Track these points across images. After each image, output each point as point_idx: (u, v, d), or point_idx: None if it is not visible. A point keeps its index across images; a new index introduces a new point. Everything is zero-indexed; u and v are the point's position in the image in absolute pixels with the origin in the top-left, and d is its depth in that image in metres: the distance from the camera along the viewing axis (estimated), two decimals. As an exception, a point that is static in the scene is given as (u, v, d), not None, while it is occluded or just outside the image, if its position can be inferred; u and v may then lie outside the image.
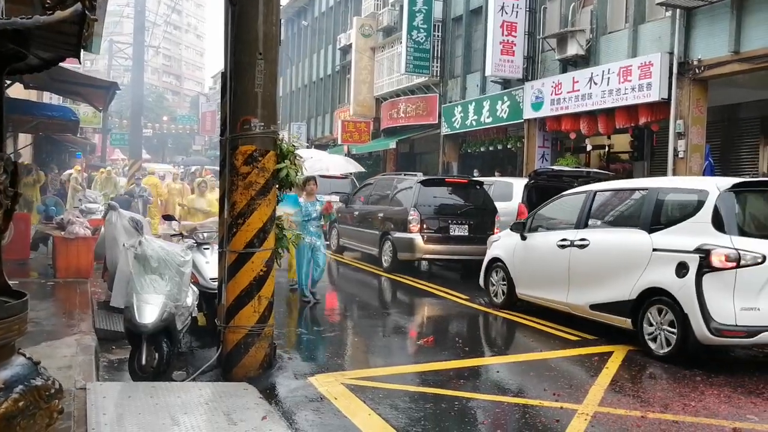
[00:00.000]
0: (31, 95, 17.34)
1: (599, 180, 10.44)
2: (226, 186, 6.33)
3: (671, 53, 14.94)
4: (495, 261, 9.97)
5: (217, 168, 8.38)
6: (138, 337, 5.84)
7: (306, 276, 10.23)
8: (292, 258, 10.77)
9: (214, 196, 12.19)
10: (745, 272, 6.44)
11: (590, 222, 8.32)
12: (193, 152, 68.73)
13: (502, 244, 9.97)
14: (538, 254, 9.02)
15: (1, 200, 3.12)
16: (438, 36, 25.02)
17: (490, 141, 22.70)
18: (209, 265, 7.31)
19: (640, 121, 15.95)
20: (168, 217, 9.54)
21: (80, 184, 19.45)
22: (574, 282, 8.19)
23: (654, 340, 7.04)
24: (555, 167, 14.80)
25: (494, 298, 9.97)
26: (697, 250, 6.66)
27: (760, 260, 6.44)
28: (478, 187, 14.02)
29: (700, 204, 6.95)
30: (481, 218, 13.12)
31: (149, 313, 5.75)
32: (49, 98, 21.56)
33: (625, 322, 7.43)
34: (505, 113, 20.83)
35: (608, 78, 16.28)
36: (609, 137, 18.49)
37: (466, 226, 13.02)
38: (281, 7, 6.72)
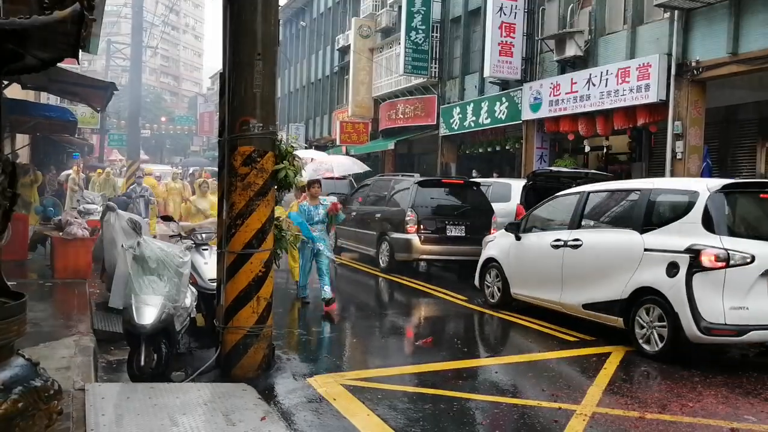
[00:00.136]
0: (29, 95, 17.34)
1: (597, 181, 10.46)
2: (224, 187, 6.32)
3: (669, 54, 14.96)
4: (490, 261, 10.04)
5: (216, 169, 8.38)
6: (137, 338, 5.83)
7: (306, 276, 10.12)
8: (292, 261, 10.76)
9: (215, 198, 12.20)
10: (735, 272, 6.55)
11: (583, 222, 8.42)
12: (191, 153, 68.70)
13: (497, 244, 10.04)
14: (533, 254, 9.11)
15: (-1, 201, 3.12)
16: (436, 37, 25.03)
17: (489, 142, 22.71)
18: (208, 265, 7.30)
19: (638, 123, 15.97)
20: (166, 218, 9.53)
21: (78, 184, 19.42)
22: (567, 282, 8.29)
23: (645, 339, 7.13)
24: (553, 168, 14.81)
25: (489, 298, 10.03)
26: (688, 250, 6.76)
27: (749, 260, 6.55)
28: (474, 188, 14.05)
29: (690, 205, 7.06)
30: (478, 219, 13.14)
31: (148, 314, 5.74)
32: (47, 99, 21.57)
33: (617, 321, 7.51)
34: (503, 114, 20.84)
35: (606, 79, 16.30)
36: (607, 138, 18.50)
37: (463, 227, 13.05)
38: (279, 8, 6.72)
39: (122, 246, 7.28)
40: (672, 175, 14.79)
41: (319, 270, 9.80)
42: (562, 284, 8.35)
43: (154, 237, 8.92)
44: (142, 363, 5.80)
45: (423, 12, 24.48)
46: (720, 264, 6.55)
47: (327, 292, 9.59)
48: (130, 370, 5.87)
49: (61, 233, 10.60)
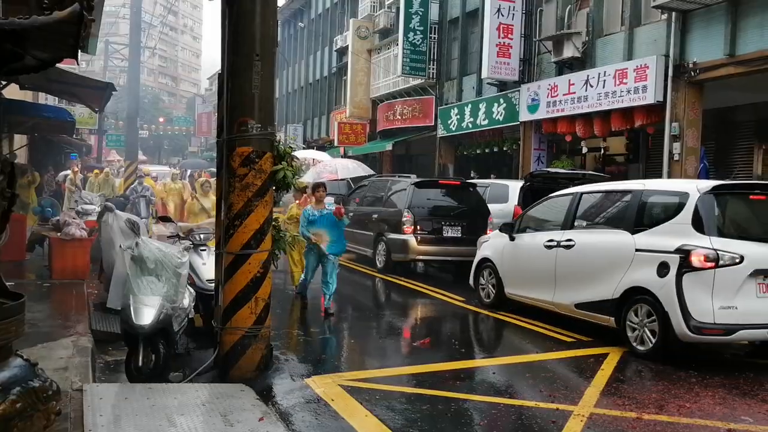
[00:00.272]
0: (27, 96, 17.32)
1: (594, 182, 10.49)
2: (223, 187, 6.33)
3: (667, 56, 14.99)
4: (485, 261, 10.12)
5: (215, 170, 8.38)
6: (135, 339, 5.83)
7: (311, 275, 9.87)
8: (292, 265, 10.74)
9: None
10: (724, 272, 6.64)
11: (576, 223, 8.51)
12: (189, 154, 68.57)
13: (492, 244, 10.13)
14: (526, 254, 9.19)
15: (-2, 201, 3.12)
16: (434, 38, 25.04)
17: (486, 143, 22.72)
18: (206, 266, 7.31)
19: (635, 124, 16.00)
20: (164, 219, 9.53)
21: (76, 185, 19.40)
22: (560, 281, 8.38)
23: (636, 338, 7.21)
24: (551, 169, 14.83)
25: (484, 298, 10.09)
26: (678, 251, 6.85)
27: (737, 260, 6.64)
28: (471, 189, 14.08)
29: (681, 206, 7.15)
30: (474, 220, 13.18)
31: (146, 314, 5.74)
32: (45, 99, 21.53)
33: (609, 321, 7.60)
34: (501, 115, 20.85)
35: (604, 80, 16.32)
36: (604, 140, 18.53)
37: (459, 228, 13.10)
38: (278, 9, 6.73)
39: (120, 246, 7.28)
40: (669, 176, 14.82)
41: (324, 275, 9.48)
42: (555, 284, 8.44)
43: (150, 237, 8.93)
44: (140, 363, 5.80)
45: (421, 13, 24.49)
46: (709, 264, 6.65)
47: (327, 302, 9.32)
48: (128, 370, 5.87)
49: (59, 234, 10.60)
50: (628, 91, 15.61)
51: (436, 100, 25.00)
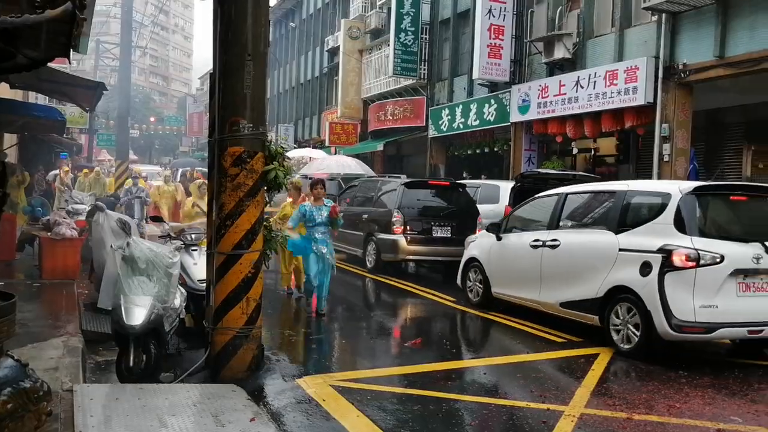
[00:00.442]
0: (17, 95, 17.22)
1: (585, 183, 10.54)
2: (214, 187, 6.31)
3: (657, 57, 15.07)
4: (472, 261, 10.18)
5: (206, 169, 8.36)
6: (125, 339, 5.81)
7: (316, 279, 9.32)
8: (283, 265, 10.70)
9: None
10: (705, 271, 6.74)
11: (561, 223, 8.60)
12: (180, 153, 68.40)
13: (479, 244, 10.20)
14: (512, 254, 9.27)
15: (-12, 201, 3.11)
16: (425, 39, 25.09)
17: (477, 144, 22.77)
18: (197, 266, 7.28)
19: (625, 125, 16.08)
20: (156, 219, 9.51)
21: (66, 184, 19.30)
22: (545, 281, 8.46)
23: (619, 336, 7.30)
24: (541, 170, 14.89)
25: (471, 298, 10.14)
26: (660, 250, 6.94)
27: (718, 260, 6.74)
28: (460, 189, 14.12)
29: (663, 206, 7.25)
30: (464, 220, 13.21)
31: (137, 314, 5.72)
32: (35, 98, 21.41)
33: (593, 319, 7.69)
34: (492, 116, 20.91)
35: (594, 81, 16.39)
36: (595, 140, 18.61)
37: (449, 228, 13.13)
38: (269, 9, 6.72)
39: (111, 246, 7.25)
40: (659, 177, 14.89)
41: (319, 275, 9.27)
42: (541, 283, 8.52)
43: (142, 236, 8.91)
44: (131, 364, 5.78)
45: (412, 14, 24.54)
46: (691, 264, 6.74)
47: (320, 304, 9.22)
48: (119, 370, 5.85)
49: (49, 233, 10.55)
50: (619, 93, 15.69)
51: (427, 100, 25.04)
